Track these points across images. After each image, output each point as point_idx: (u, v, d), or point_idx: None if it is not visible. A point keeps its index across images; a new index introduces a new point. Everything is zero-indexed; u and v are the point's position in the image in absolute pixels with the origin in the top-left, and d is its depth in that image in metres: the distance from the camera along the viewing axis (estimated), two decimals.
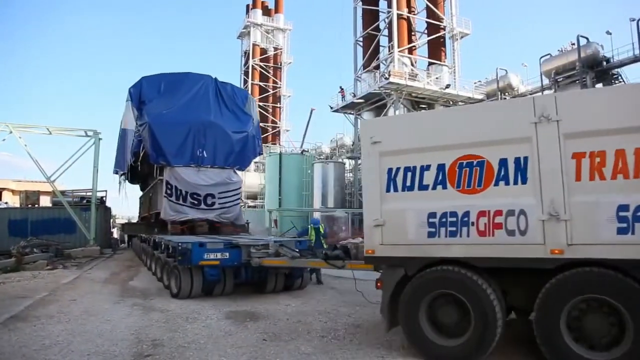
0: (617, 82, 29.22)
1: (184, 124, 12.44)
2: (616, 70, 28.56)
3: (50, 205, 24.07)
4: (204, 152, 12.60)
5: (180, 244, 8.41)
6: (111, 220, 27.11)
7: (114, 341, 5.43)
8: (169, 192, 12.23)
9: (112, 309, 7.46)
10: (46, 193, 26.01)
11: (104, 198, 23.24)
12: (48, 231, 19.33)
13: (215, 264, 7.89)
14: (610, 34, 27.67)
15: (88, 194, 21.68)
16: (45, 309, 7.44)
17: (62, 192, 21.97)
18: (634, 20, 25.79)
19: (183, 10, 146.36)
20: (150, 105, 12.58)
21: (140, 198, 19.84)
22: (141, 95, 12.83)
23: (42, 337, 5.64)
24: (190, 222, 12.47)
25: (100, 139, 19.73)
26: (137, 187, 20.26)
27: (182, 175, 12.44)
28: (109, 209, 23.54)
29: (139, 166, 14.66)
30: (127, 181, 17.38)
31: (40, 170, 19.13)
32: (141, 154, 13.02)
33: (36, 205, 23.65)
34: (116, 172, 14.68)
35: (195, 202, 12.44)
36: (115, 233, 28.06)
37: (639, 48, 25.93)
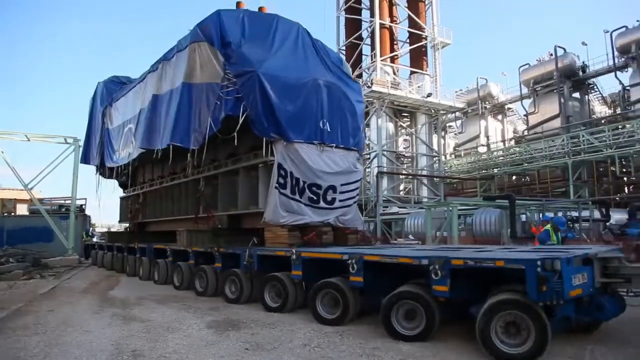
0: (592, 91, 30.38)
1: (300, 82, 9.14)
2: (592, 80, 29.65)
3: (27, 213, 23.49)
4: (327, 124, 9.42)
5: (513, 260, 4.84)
6: (90, 228, 26.54)
7: (93, 352, 5.35)
8: (281, 181, 8.58)
9: (92, 319, 7.32)
10: (23, 201, 25.35)
11: (84, 206, 22.76)
12: (25, 240, 18.89)
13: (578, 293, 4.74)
14: (586, 44, 28.85)
15: (67, 202, 21.23)
16: (21, 320, 7.26)
17: (40, 200, 21.43)
18: (608, 32, 26.94)
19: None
20: (247, 50, 8.95)
21: (124, 199, 17.63)
22: (223, 33, 8.96)
23: (18, 349, 5.52)
24: (307, 228, 8.97)
25: (80, 146, 19.36)
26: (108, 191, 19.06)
27: (302, 157, 8.88)
28: (88, 217, 23.05)
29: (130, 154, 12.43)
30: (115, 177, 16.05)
31: (17, 177, 18.70)
32: (240, 121, 8.51)
33: (12, 214, 23.01)
34: (180, 143, 9.40)
35: (314, 197, 9.03)
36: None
37: (613, 59, 27.00)
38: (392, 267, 6.11)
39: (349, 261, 6.49)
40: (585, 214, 18.86)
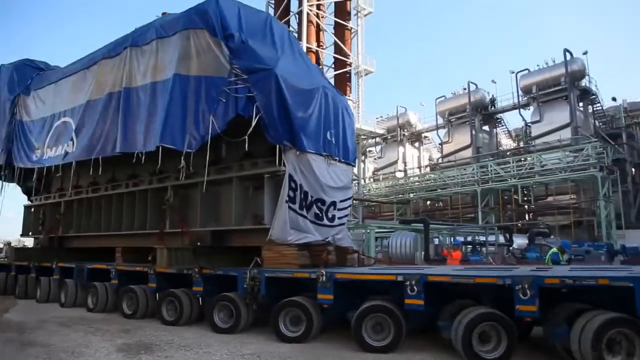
0: (500, 125, 34.99)
1: (310, 88, 8.47)
2: (499, 115, 34.15)
3: None
4: (333, 136, 8.91)
5: None
6: None
7: None
8: (291, 194, 7.83)
9: None
10: None
11: None
12: None
13: None
14: (495, 82, 33.39)
15: None
16: None
17: None
18: (513, 72, 31.47)
19: None
20: (255, 46, 8.12)
21: (31, 208, 14.24)
22: (224, 23, 8.00)
23: None
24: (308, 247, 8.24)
25: None
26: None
27: (313, 169, 8.24)
28: None
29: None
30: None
31: None
32: (253, 123, 7.58)
33: None
34: (172, 145, 8.06)
35: (319, 213, 8.44)
36: None
37: (517, 97, 31.49)
38: (456, 288, 5.91)
39: (407, 282, 6.09)
40: (491, 238, 21.00)
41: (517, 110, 31.75)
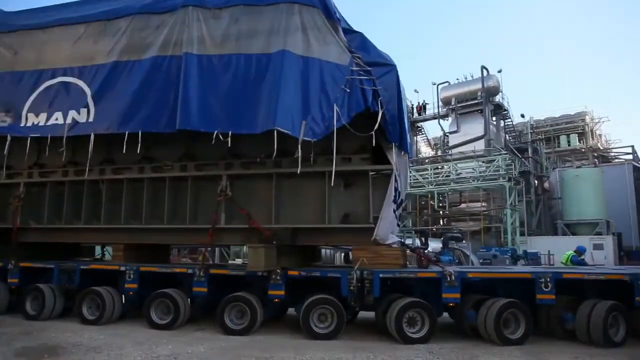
0: (420, 134, 38.69)
1: None
2: (420, 124, 37.76)
3: None
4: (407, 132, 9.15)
5: None
6: None
7: None
8: (394, 195, 7.94)
9: None
10: None
11: None
12: None
13: None
14: (418, 92, 36.56)
15: None
16: None
17: None
18: (435, 84, 35.22)
19: None
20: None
21: None
22: (334, 6, 7.95)
23: None
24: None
25: None
26: None
27: (407, 168, 8.97)
28: None
29: None
30: None
31: None
32: (379, 119, 7.43)
33: None
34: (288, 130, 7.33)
35: (398, 215, 8.77)
36: None
37: (437, 108, 35.32)
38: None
39: (541, 280, 7.01)
40: (408, 241, 23.66)
41: (436, 120, 35.69)
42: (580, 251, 12.09)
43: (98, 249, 12.71)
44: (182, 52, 8.18)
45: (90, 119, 8.50)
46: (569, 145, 37.24)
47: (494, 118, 32.89)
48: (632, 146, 34.25)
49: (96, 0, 9.38)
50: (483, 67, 32.60)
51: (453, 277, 7.28)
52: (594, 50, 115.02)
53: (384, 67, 7.84)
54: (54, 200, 9.89)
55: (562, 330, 7.27)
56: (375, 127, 7.55)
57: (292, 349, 6.69)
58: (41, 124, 8.85)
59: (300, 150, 7.30)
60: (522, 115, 36.69)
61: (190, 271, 8.47)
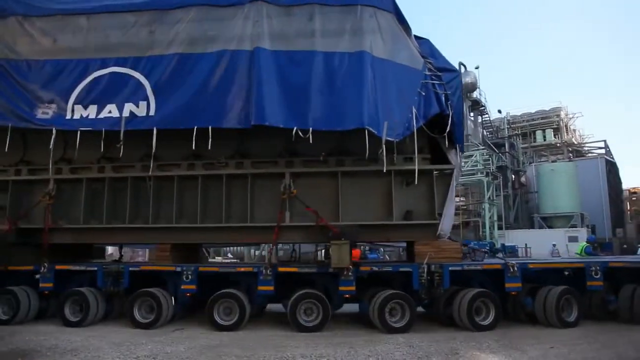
0: None
1: None
2: None
3: None
4: None
5: None
6: None
7: None
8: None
9: None
10: None
11: None
12: None
13: None
14: None
15: None
16: None
17: None
18: None
19: None
20: None
21: None
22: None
23: None
24: None
25: None
26: None
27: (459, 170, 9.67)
28: None
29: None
30: None
31: None
32: (449, 123, 8.32)
33: None
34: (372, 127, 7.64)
35: None
36: None
37: None
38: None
39: (591, 268, 8.13)
40: None
41: None
42: (592, 242, 13.47)
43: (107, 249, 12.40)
44: (252, 47, 8.27)
45: (151, 113, 8.35)
46: (544, 140, 39.38)
47: (471, 114, 34.40)
48: (605, 141, 36.33)
49: None
50: (461, 64, 34.00)
51: (515, 268, 8.05)
52: (570, 47, 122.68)
53: (451, 73, 8.56)
54: (87, 199, 9.60)
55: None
56: (447, 130, 8.14)
57: (272, 347, 6.79)
58: (91, 116, 8.56)
59: (367, 149, 7.64)
60: (499, 111, 38.71)
61: (255, 270, 8.62)
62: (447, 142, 8.57)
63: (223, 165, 9.26)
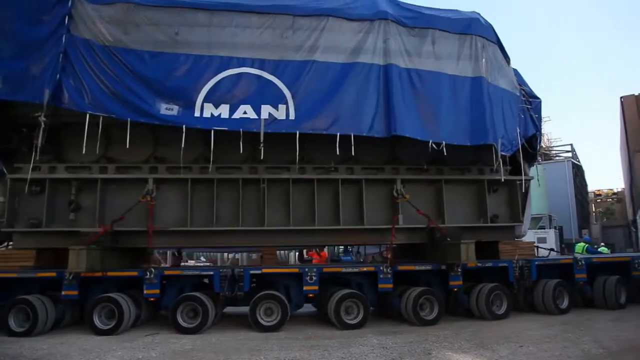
0: None
1: None
2: None
3: None
4: None
5: None
6: None
7: None
8: None
9: None
10: None
11: None
12: None
13: None
14: None
15: None
16: None
17: None
18: None
19: None
20: None
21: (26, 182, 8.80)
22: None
23: None
24: None
25: None
26: None
27: None
28: None
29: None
30: None
31: None
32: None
33: None
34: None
35: None
36: None
37: None
38: None
39: (636, 261, 10.27)
40: None
41: None
42: (589, 242, 16.48)
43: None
44: (383, 62, 9.03)
45: (291, 117, 8.53)
46: None
47: None
48: (571, 144, 39.00)
49: None
50: None
51: (582, 263, 10.02)
52: (536, 50, 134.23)
53: (536, 100, 10.31)
54: (181, 200, 9.25)
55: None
56: (538, 149, 9.86)
57: (246, 350, 6.79)
58: (224, 116, 8.39)
59: (494, 162, 9.19)
60: None
61: (375, 269, 9.21)
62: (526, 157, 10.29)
63: (332, 170, 9.70)
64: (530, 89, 10.44)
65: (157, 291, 8.54)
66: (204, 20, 8.73)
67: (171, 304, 8.38)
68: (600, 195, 41.10)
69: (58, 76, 8.09)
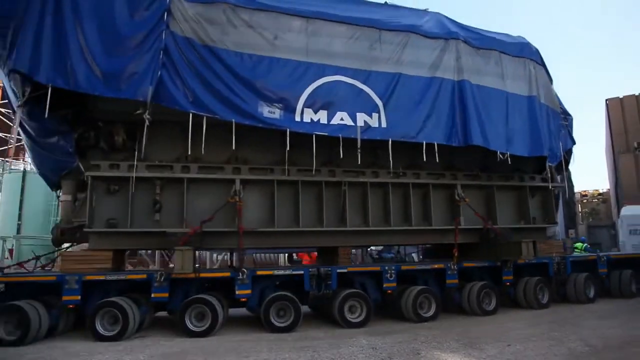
0: None
1: None
2: None
3: None
4: None
5: None
6: None
7: None
8: None
9: None
10: None
11: None
12: None
13: None
14: None
15: None
16: None
17: None
18: None
19: None
20: None
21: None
22: None
23: None
24: None
25: None
26: None
27: None
28: None
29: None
30: None
31: None
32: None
33: None
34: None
35: None
36: None
37: None
38: None
39: None
40: None
41: None
42: (585, 241, 18.24)
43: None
44: (456, 78, 9.96)
45: (384, 125, 9.08)
46: None
47: None
48: None
49: (352, 2, 9.70)
50: None
51: (605, 259, 11.60)
52: None
53: (569, 116, 11.71)
54: (264, 201, 9.44)
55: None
56: (572, 162, 11.38)
57: (235, 353, 6.76)
58: (322, 121, 8.73)
59: (548, 172, 10.49)
60: None
61: (445, 266, 9.95)
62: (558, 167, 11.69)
63: (402, 175, 10.35)
64: (564, 106, 11.90)
65: (249, 291, 8.62)
66: (300, 27, 9.01)
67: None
68: (586, 195, 41.58)
69: (159, 73, 7.94)
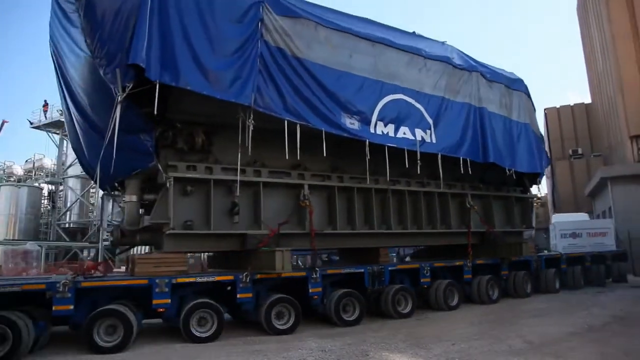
0: None
1: None
2: None
3: None
4: None
5: None
6: None
7: None
8: None
9: None
10: None
11: None
12: None
13: None
14: None
15: None
16: None
17: None
18: None
19: None
20: None
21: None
22: None
23: None
24: None
25: None
26: None
27: None
28: None
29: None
30: None
31: None
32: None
33: None
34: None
35: None
36: None
37: None
38: None
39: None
40: None
41: None
42: None
43: None
44: (478, 105, 11.79)
45: (433, 141, 10.43)
46: None
47: None
48: None
49: (400, 34, 10.99)
50: None
51: (564, 256, 14.44)
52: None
53: (542, 138, 14.42)
54: (324, 205, 10.16)
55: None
56: (550, 176, 13.93)
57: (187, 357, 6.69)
58: (390, 134, 9.77)
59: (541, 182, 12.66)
60: None
61: (463, 264, 11.62)
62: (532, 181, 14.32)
63: (427, 184, 11.81)
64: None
65: (320, 289, 9.15)
66: (367, 49, 9.96)
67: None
68: (539, 199, 47.25)
69: (258, 79, 8.23)
